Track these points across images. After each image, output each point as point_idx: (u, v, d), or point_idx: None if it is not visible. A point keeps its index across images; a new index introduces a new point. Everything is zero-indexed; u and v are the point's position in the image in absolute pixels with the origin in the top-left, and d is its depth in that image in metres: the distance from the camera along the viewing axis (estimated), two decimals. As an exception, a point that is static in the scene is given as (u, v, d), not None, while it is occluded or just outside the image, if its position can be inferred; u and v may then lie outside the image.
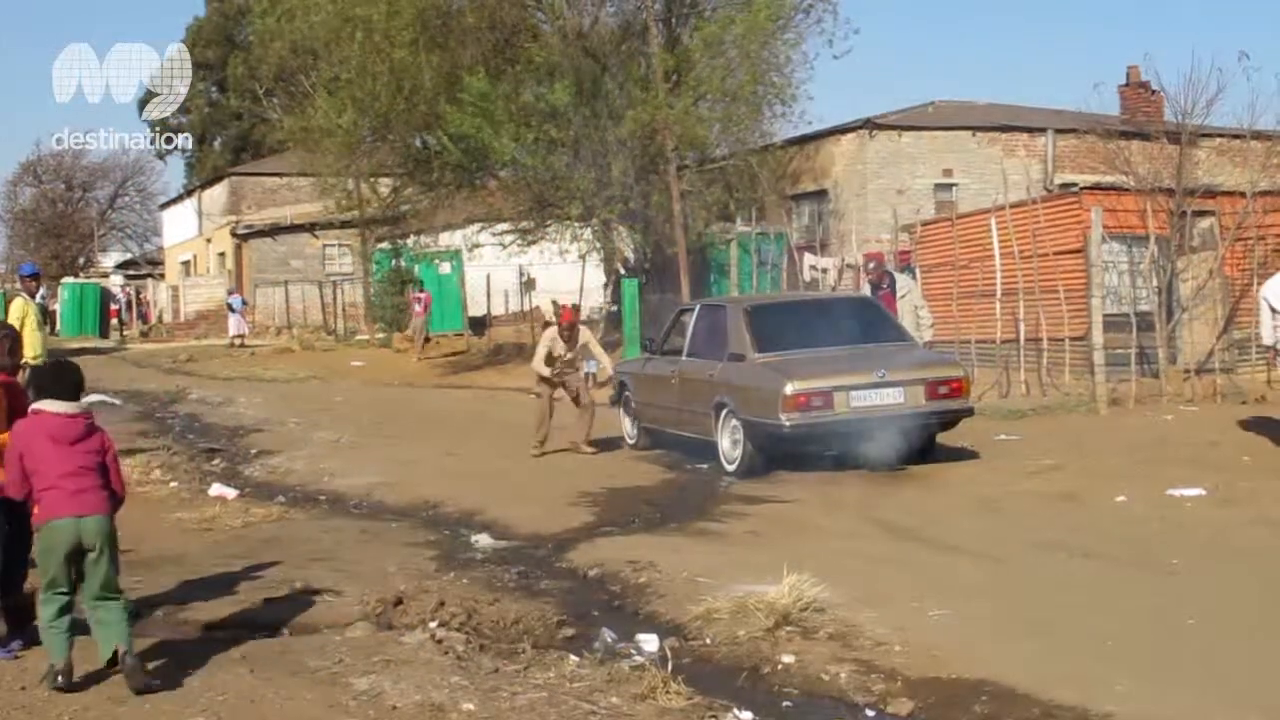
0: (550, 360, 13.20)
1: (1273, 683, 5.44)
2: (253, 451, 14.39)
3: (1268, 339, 10.91)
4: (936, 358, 12.10)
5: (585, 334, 13.70)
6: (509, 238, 26.28)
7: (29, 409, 5.64)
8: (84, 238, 65.42)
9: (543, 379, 13.28)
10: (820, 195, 26.32)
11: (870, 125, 25.19)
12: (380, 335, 32.51)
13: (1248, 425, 11.64)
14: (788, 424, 10.61)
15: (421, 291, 29.64)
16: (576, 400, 13.31)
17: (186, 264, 53.11)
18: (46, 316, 13.53)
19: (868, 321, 12.14)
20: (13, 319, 11.64)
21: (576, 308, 15.07)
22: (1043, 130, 25.86)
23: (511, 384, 22.18)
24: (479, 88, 22.12)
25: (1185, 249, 14.80)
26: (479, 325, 32.00)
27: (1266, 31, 78.19)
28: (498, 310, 34.37)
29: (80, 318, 44.09)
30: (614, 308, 24.36)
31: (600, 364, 14.24)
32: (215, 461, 13.62)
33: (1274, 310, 10.56)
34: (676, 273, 21.64)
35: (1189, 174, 15.14)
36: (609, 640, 6.44)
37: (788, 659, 6.04)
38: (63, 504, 5.36)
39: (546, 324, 16.81)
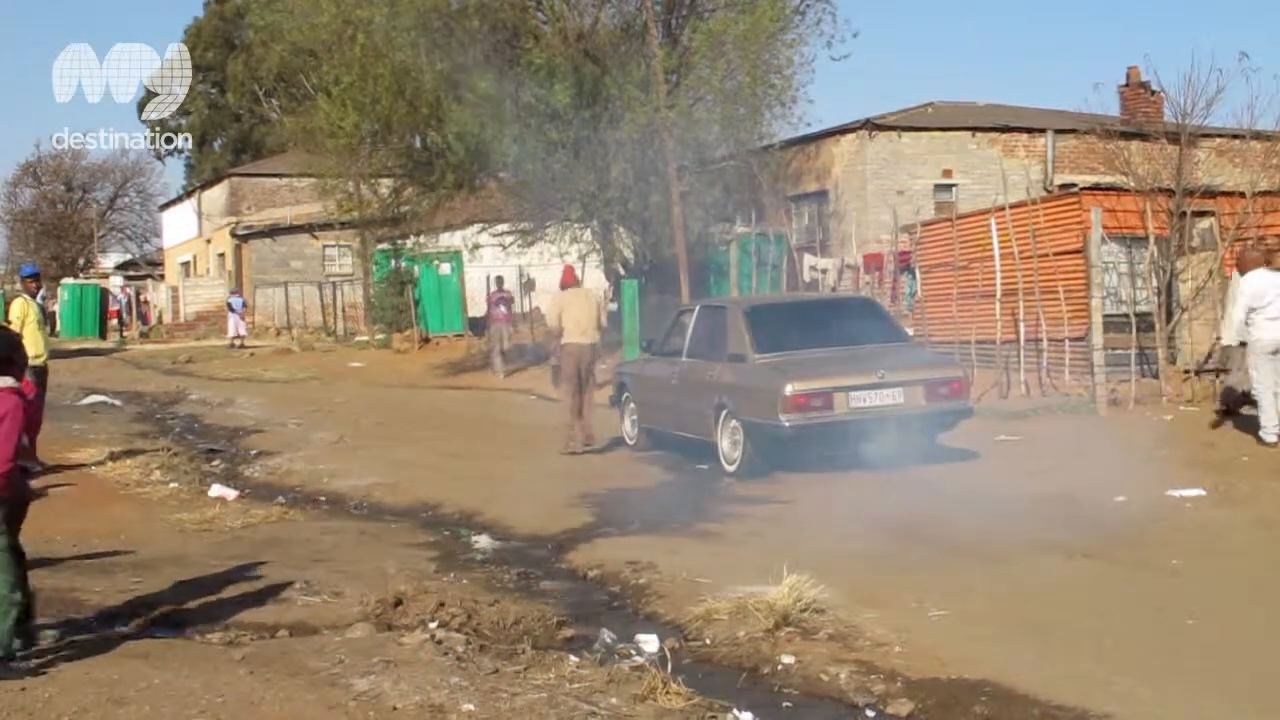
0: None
1: (1272, 683, 5.44)
2: (252, 452, 14.39)
3: (1229, 338, 11.04)
4: (936, 358, 12.12)
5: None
6: (509, 238, 26.26)
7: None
8: (84, 239, 65.44)
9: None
10: (820, 196, 26.31)
11: (870, 126, 25.17)
12: (380, 336, 32.48)
13: (1246, 426, 11.63)
14: (787, 424, 10.61)
15: (504, 290, 26.25)
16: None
17: (186, 265, 53.11)
18: (46, 317, 13.53)
19: (867, 322, 12.16)
20: (13, 319, 11.68)
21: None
22: (1042, 130, 25.85)
23: (511, 385, 22.20)
24: (484, 89, 22.13)
25: (1185, 249, 14.79)
26: (479, 326, 31.97)
27: (1266, 32, 78.28)
28: (498, 311, 34.27)
29: (80, 319, 44.13)
30: (614, 307, 24.33)
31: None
32: (215, 462, 13.62)
33: (1251, 308, 10.64)
34: (676, 274, 21.62)
35: (1189, 174, 15.13)
36: (609, 641, 6.44)
37: (787, 659, 6.04)
38: None
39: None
